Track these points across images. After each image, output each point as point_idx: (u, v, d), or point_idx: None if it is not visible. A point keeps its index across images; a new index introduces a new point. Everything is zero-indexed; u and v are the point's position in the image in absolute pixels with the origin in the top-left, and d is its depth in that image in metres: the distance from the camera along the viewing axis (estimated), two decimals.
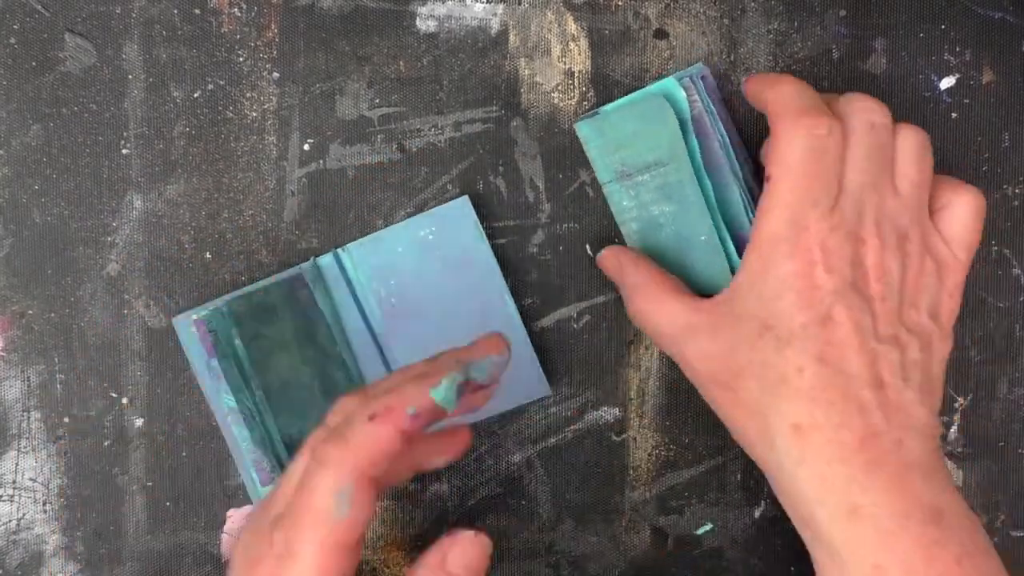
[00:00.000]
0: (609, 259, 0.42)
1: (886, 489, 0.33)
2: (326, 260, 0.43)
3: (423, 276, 0.43)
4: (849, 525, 0.33)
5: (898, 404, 0.35)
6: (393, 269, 0.43)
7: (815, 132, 0.35)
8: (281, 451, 0.41)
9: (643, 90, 0.43)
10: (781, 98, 0.37)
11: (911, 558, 0.33)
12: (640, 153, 0.42)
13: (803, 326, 0.35)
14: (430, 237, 0.43)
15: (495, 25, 0.44)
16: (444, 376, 0.32)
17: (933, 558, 0.33)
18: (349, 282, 0.43)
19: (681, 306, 0.38)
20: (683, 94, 0.41)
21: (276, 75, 0.44)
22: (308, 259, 0.44)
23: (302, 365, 0.42)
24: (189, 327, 0.43)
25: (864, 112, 0.37)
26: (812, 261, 0.35)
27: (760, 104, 0.38)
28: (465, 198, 0.43)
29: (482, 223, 0.44)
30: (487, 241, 0.43)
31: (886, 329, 0.35)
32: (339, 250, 0.43)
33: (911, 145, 0.38)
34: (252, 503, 0.44)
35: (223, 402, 0.42)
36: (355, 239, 0.44)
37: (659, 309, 0.39)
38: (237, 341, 0.40)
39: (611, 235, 0.44)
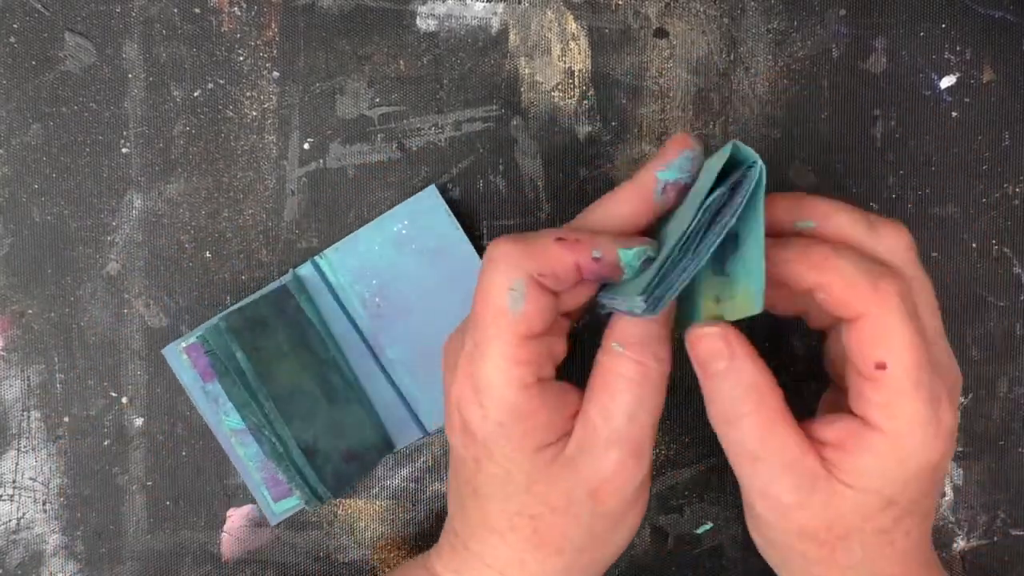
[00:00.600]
0: (716, 343, 0.33)
1: None
2: (305, 270, 0.43)
3: (403, 271, 0.43)
4: None
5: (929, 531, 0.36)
6: (373, 269, 0.43)
7: (906, 300, 0.32)
8: (298, 457, 0.41)
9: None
10: (841, 275, 0.32)
11: None
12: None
13: (926, 497, 0.34)
14: (404, 231, 0.43)
15: (495, 24, 0.44)
16: (638, 244, 0.32)
17: None
18: (331, 288, 0.43)
19: (805, 451, 0.33)
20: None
21: (276, 74, 0.44)
22: (307, 260, 0.44)
23: (302, 371, 0.42)
24: (180, 355, 0.43)
25: (908, 251, 0.34)
26: (953, 433, 0.33)
27: (806, 285, 0.33)
28: (432, 187, 0.43)
29: (482, 223, 0.44)
30: (460, 227, 0.43)
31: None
32: (316, 258, 0.43)
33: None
34: (254, 504, 0.44)
35: (224, 425, 0.42)
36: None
37: (779, 442, 0.33)
38: (239, 354, 0.40)
39: None
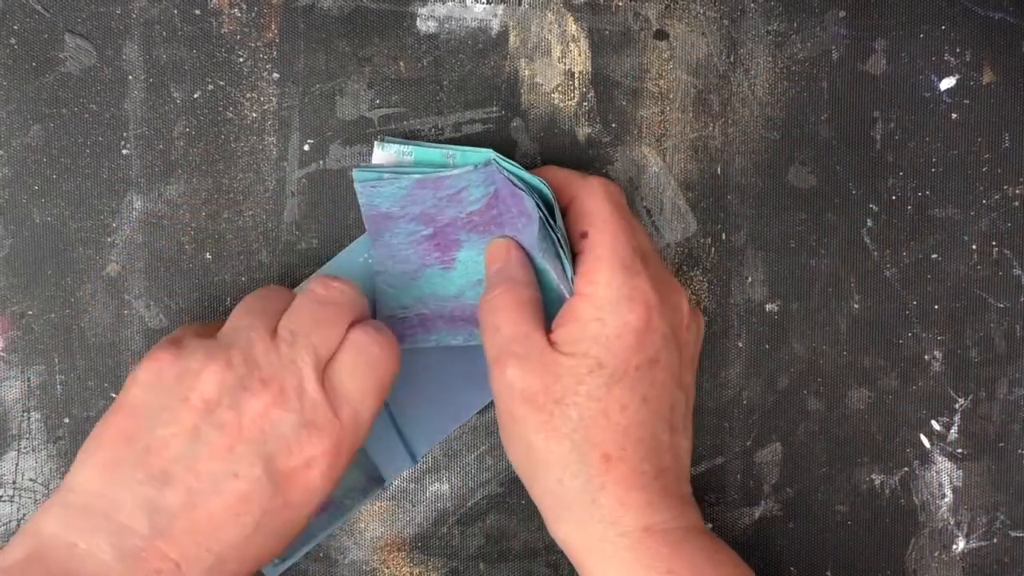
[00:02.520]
0: (500, 247, 0.41)
1: (674, 513, 0.38)
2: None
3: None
4: (643, 541, 0.37)
5: (683, 452, 0.39)
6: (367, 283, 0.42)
7: (612, 188, 0.40)
8: None
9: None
10: (557, 172, 0.41)
11: (698, 562, 0.37)
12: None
13: (637, 367, 0.37)
14: (369, 261, 0.43)
15: (495, 26, 0.44)
16: None
17: (717, 563, 0.38)
18: None
19: (535, 324, 0.39)
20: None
21: (276, 76, 0.44)
22: (307, 260, 0.44)
23: None
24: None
25: (603, 185, 0.40)
26: (649, 305, 0.37)
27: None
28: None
29: None
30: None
31: (687, 377, 0.40)
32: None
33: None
34: None
35: None
36: (355, 240, 0.44)
37: (514, 316, 0.39)
38: None
39: None
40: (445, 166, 0.41)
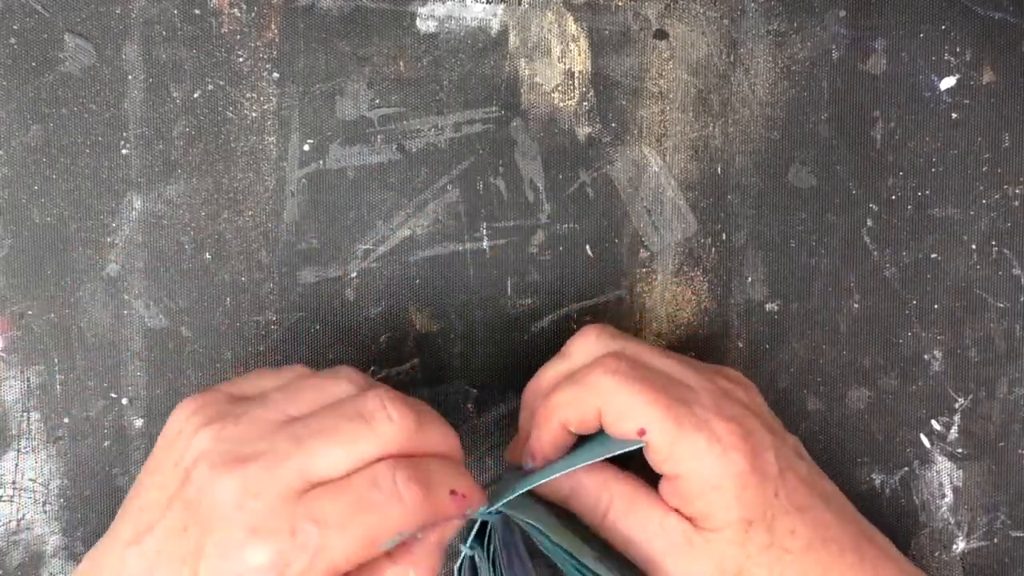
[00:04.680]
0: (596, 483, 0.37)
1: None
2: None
3: None
4: None
5: (843, 506, 0.38)
6: None
7: (615, 366, 0.36)
8: None
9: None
10: (564, 405, 0.36)
11: None
12: None
13: (776, 494, 0.36)
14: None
15: (495, 25, 0.44)
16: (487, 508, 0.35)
17: None
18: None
19: (657, 506, 0.36)
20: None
21: (276, 75, 0.44)
22: (307, 260, 0.44)
23: None
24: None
25: (608, 373, 0.36)
26: (737, 435, 0.35)
27: (563, 434, 0.37)
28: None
29: (482, 224, 0.44)
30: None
31: (788, 442, 0.38)
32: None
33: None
34: None
35: None
36: (355, 240, 0.44)
37: (638, 514, 0.36)
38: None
39: (611, 235, 0.44)
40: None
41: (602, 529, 0.37)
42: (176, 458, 0.32)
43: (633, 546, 0.36)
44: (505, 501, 0.36)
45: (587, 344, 0.38)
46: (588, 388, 0.35)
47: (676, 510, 0.35)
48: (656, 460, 0.35)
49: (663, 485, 0.36)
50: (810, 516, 0.36)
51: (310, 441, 0.31)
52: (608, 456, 0.36)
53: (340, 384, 0.34)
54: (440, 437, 0.34)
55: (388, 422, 0.32)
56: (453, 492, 0.33)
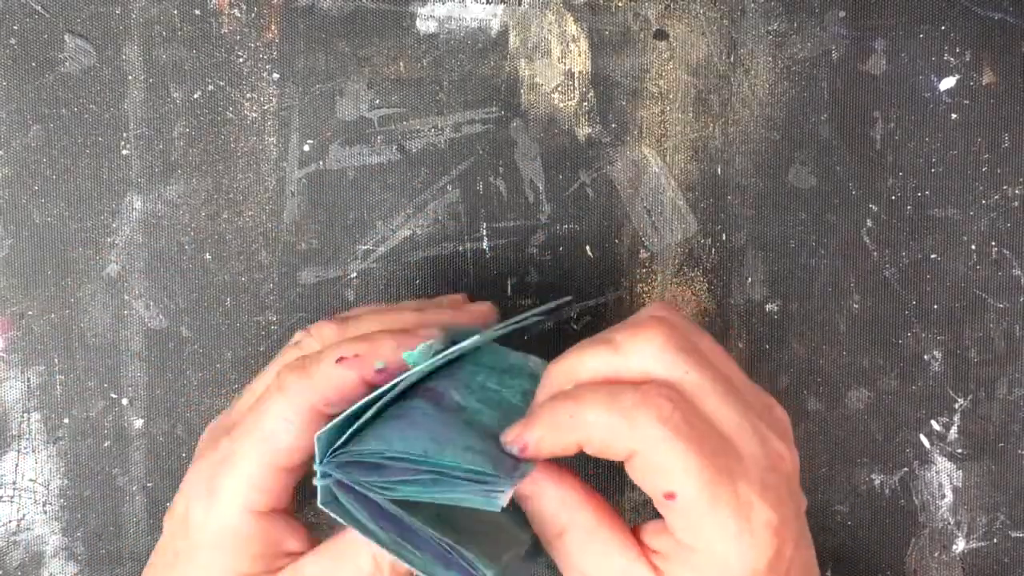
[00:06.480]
0: (533, 503, 0.33)
1: None
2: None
3: None
4: None
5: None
6: None
7: (668, 420, 0.30)
8: None
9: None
10: (592, 428, 0.31)
11: None
12: None
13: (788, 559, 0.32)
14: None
15: (495, 26, 0.44)
16: (422, 342, 0.33)
17: None
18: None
19: (622, 553, 0.32)
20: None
21: (276, 76, 0.44)
22: (306, 260, 0.44)
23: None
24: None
25: (663, 352, 0.32)
26: (775, 529, 0.31)
27: (571, 451, 0.32)
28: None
29: (482, 225, 0.44)
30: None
31: (803, 514, 0.34)
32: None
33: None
34: None
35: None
36: (355, 240, 0.44)
37: (596, 560, 0.32)
38: None
39: (611, 235, 0.44)
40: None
41: (550, 549, 0.33)
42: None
43: None
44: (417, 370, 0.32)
45: (651, 349, 0.32)
46: (631, 426, 0.30)
47: (645, 553, 0.32)
48: (674, 524, 0.31)
49: (653, 532, 0.32)
50: None
51: (254, 379, 0.35)
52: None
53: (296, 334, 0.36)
54: (368, 321, 0.34)
55: (309, 338, 0.34)
56: (341, 359, 0.32)
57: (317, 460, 0.30)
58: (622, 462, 0.32)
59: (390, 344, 0.33)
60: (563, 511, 0.32)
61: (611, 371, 0.32)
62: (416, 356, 0.33)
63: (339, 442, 0.31)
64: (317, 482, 0.30)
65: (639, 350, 0.32)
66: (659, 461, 0.30)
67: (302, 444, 0.32)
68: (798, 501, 0.33)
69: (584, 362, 0.33)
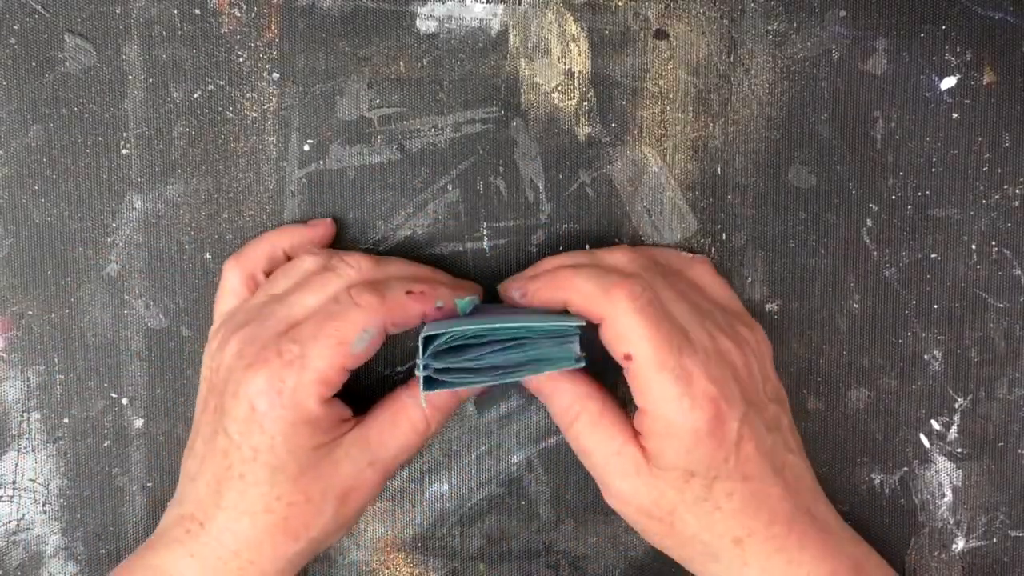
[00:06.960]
0: (542, 384, 0.41)
1: (815, 557, 0.39)
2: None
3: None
4: None
5: (796, 479, 0.40)
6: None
7: (638, 292, 0.38)
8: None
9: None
10: (579, 290, 0.39)
11: None
12: None
13: (725, 459, 0.38)
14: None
15: (495, 25, 0.44)
16: (470, 294, 0.40)
17: None
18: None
19: (620, 434, 0.39)
20: None
21: (276, 75, 0.44)
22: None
23: None
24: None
25: (629, 298, 0.38)
26: (712, 398, 0.37)
27: (557, 304, 0.40)
28: None
29: (482, 224, 0.44)
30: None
31: (764, 413, 0.39)
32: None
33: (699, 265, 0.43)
34: None
35: None
36: (355, 239, 0.44)
37: (598, 436, 0.39)
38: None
39: (611, 235, 0.44)
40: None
41: (566, 433, 0.40)
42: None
43: (589, 458, 0.39)
44: (462, 327, 0.38)
45: (623, 258, 0.41)
46: (607, 299, 0.38)
47: (637, 438, 0.39)
48: (632, 387, 0.38)
49: (636, 413, 0.38)
50: (752, 486, 0.38)
51: (288, 296, 0.39)
52: (559, 325, 0.38)
53: (305, 261, 0.41)
54: (399, 268, 0.41)
55: (347, 266, 0.40)
56: (410, 292, 0.39)
57: (421, 355, 0.37)
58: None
59: (446, 289, 0.40)
60: (576, 402, 0.40)
61: (590, 261, 0.41)
62: (465, 304, 0.40)
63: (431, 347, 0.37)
64: (419, 372, 0.37)
65: (615, 259, 0.41)
66: (622, 328, 0.37)
67: (371, 351, 0.38)
68: (754, 395, 0.39)
69: (573, 257, 0.42)
